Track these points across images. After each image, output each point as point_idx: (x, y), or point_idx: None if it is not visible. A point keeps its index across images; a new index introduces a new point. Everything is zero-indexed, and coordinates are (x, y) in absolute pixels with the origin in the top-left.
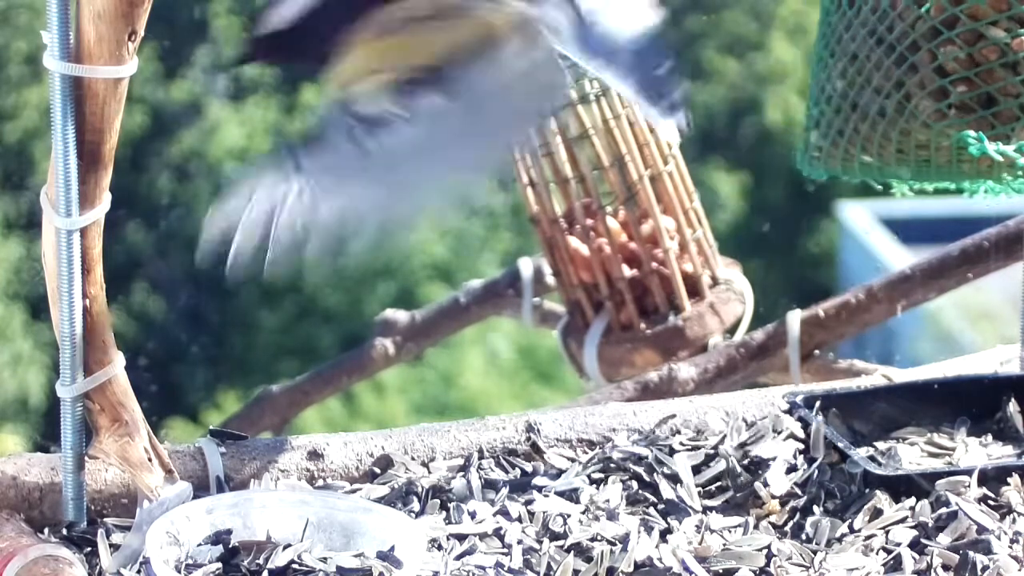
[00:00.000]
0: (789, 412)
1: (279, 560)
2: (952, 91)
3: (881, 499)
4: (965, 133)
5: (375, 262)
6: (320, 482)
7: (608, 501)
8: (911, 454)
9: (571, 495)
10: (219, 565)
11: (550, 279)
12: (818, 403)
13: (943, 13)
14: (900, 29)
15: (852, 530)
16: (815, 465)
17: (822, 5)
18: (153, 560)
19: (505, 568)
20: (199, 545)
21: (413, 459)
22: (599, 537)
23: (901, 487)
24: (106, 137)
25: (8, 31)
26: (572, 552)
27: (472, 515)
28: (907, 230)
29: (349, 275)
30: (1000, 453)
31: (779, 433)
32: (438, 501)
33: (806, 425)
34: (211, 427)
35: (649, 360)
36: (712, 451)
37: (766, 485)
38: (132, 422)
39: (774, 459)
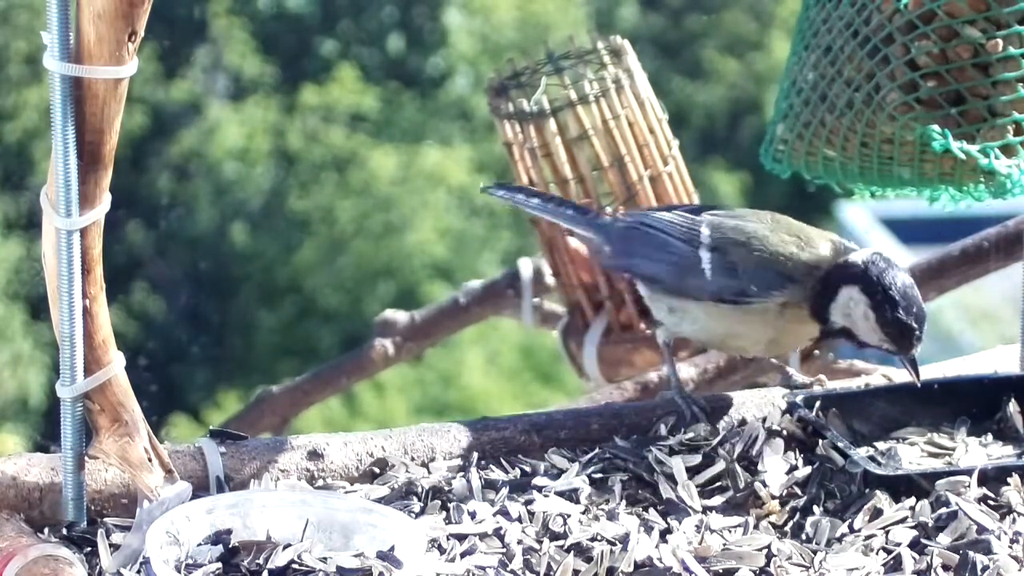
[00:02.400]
0: (789, 412)
1: (279, 560)
2: (922, 85)
3: (881, 499)
4: (930, 128)
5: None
6: (320, 482)
7: (608, 501)
8: (911, 454)
9: (571, 495)
10: (219, 565)
11: (550, 279)
12: (818, 403)
13: (921, 8)
14: (877, 21)
15: (852, 530)
16: (815, 465)
17: (803, 0)
18: (153, 560)
19: (506, 568)
20: (199, 545)
21: (413, 459)
22: (599, 537)
23: (901, 487)
24: (106, 137)
25: (8, 31)
26: (572, 552)
27: (472, 515)
28: (907, 230)
29: (349, 275)
30: (1000, 453)
31: (779, 433)
32: (438, 501)
33: (806, 425)
34: (211, 427)
35: (649, 360)
36: (712, 451)
37: (766, 485)
38: (132, 422)
39: (774, 459)
